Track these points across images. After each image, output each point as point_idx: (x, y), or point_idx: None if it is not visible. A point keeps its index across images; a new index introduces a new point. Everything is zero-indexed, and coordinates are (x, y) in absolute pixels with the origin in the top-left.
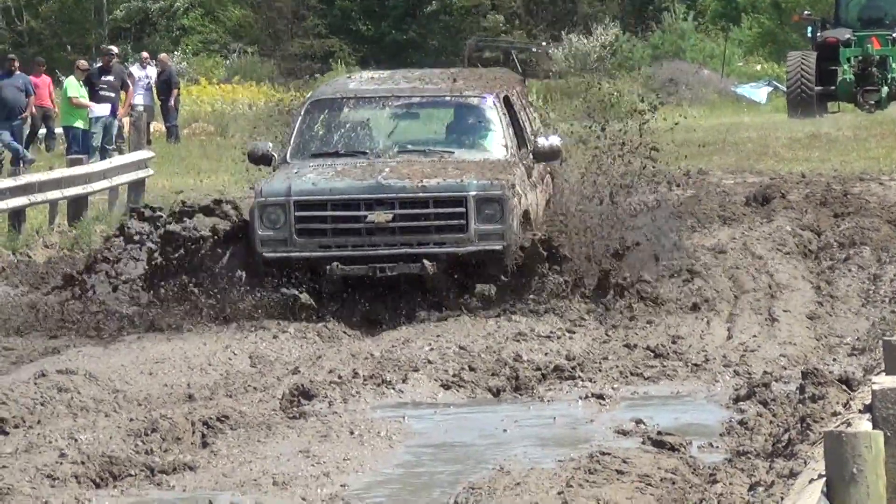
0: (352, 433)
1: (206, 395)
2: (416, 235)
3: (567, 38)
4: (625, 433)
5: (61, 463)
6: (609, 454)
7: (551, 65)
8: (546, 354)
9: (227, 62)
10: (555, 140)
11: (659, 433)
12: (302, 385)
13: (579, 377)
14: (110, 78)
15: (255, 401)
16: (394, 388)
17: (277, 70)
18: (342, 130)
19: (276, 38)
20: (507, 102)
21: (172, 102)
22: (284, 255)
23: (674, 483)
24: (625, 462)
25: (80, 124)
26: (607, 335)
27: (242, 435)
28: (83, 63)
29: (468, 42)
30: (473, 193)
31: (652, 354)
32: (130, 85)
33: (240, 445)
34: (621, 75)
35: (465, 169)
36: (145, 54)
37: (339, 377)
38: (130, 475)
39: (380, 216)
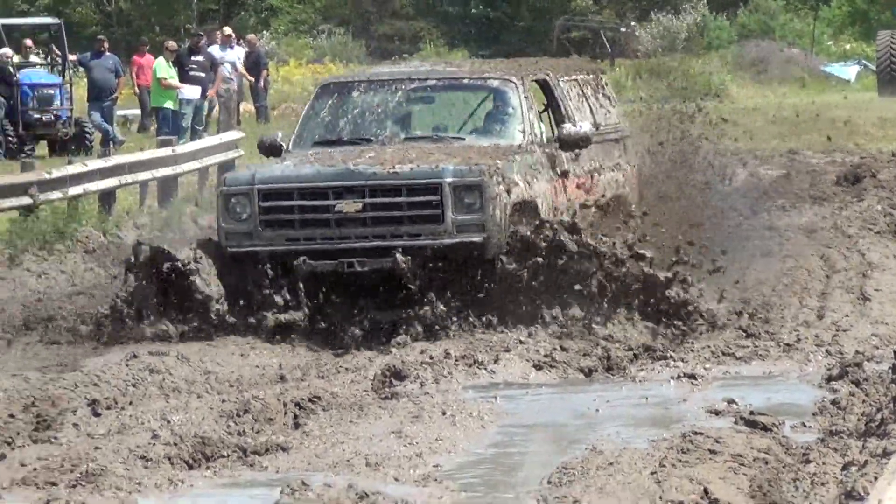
0: (444, 413)
1: (298, 376)
2: (388, 227)
3: (655, 17)
4: (717, 413)
5: (154, 444)
6: (701, 434)
7: (639, 44)
8: (640, 333)
9: (316, 42)
10: (584, 127)
11: (751, 413)
12: (393, 366)
13: (671, 357)
14: (200, 59)
15: (346, 382)
16: (485, 369)
17: (366, 51)
18: (349, 116)
19: (365, 18)
20: (546, 87)
21: (262, 83)
22: (250, 249)
23: (766, 463)
24: (717, 442)
25: (169, 105)
26: None
27: (334, 416)
28: (172, 44)
29: (557, 22)
30: (449, 180)
31: (744, 334)
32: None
33: (332, 426)
34: (708, 55)
35: (456, 154)
36: (228, 30)
37: (431, 358)
38: (223, 456)
39: (349, 205)
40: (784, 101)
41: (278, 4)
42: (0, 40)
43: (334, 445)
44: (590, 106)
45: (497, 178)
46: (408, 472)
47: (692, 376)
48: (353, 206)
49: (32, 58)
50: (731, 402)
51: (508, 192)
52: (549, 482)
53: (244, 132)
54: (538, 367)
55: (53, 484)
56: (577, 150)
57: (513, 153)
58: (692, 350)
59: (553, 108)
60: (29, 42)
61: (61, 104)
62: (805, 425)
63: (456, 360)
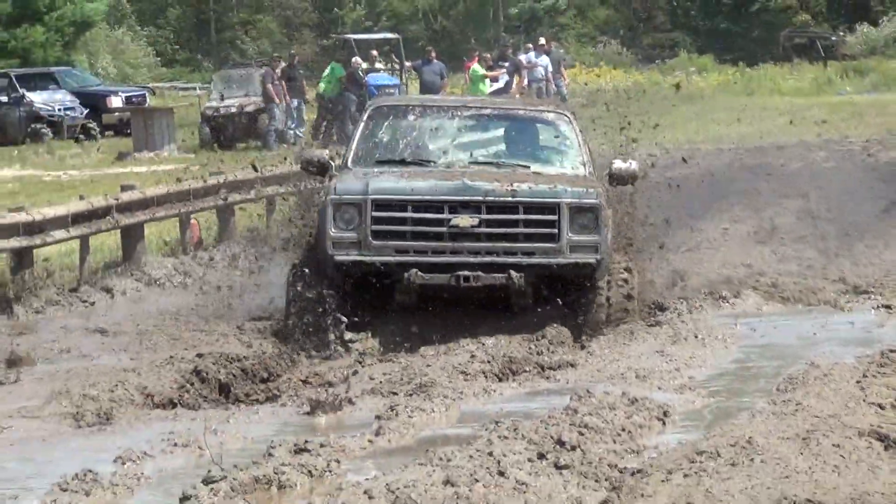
0: (696, 337)
1: None
2: (503, 243)
3: (859, 28)
4: None
5: (472, 362)
6: None
7: (846, 50)
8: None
9: (595, 52)
10: (633, 164)
11: None
12: (656, 300)
13: (871, 292)
14: (506, 64)
15: None
16: (728, 302)
17: (635, 57)
18: (407, 139)
19: (634, 31)
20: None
21: (564, 81)
22: (357, 258)
23: None
24: None
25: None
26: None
27: (611, 339)
28: (485, 55)
29: (782, 33)
30: (568, 201)
31: None
32: (522, 70)
33: (609, 347)
34: None
35: (553, 179)
36: (542, 41)
37: (685, 294)
38: (525, 371)
39: (465, 220)
40: None
41: (566, 21)
42: (352, 51)
43: (611, 362)
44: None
45: (606, 201)
46: (668, 383)
47: (888, 307)
48: (469, 220)
49: (377, 65)
50: None
51: (612, 217)
52: (777, 389)
53: None
54: (770, 299)
55: (394, 393)
56: (623, 186)
57: (589, 182)
58: (887, 287)
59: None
60: (374, 52)
61: None
62: None
63: (705, 296)
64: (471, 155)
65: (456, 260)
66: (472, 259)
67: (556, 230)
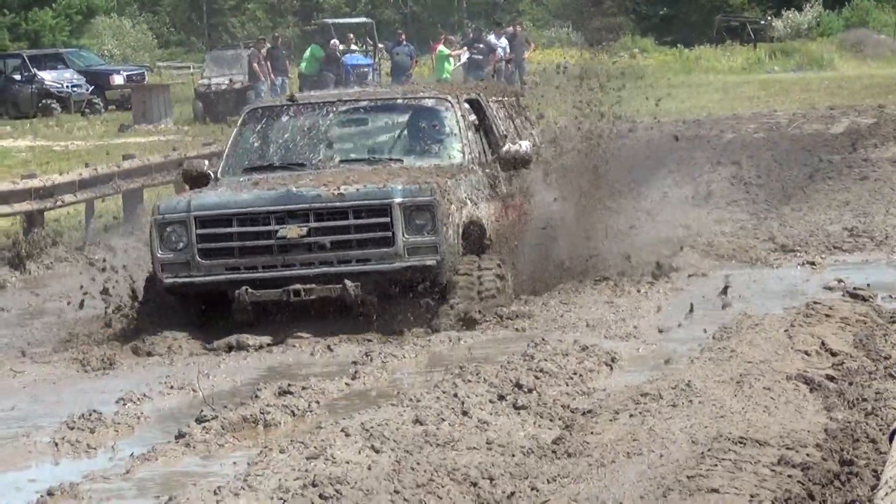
0: (638, 291)
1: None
2: (335, 252)
3: (785, 13)
4: (830, 289)
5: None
6: (819, 303)
7: (774, 32)
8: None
9: (549, 34)
10: (524, 146)
11: (854, 289)
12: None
13: (797, 250)
14: (481, 46)
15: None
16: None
17: (584, 40)
18: (280, 141)
19: (583, 16)
20: (477, 107)
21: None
22: (187, 280)
23: (865, 323)
24: (830, 309)
25: (447, 76)
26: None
27: (562, 293)
28: (450, 38)
29: (717, 17)
30: (399, 200)
31: (847, 234)
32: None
33: (562, 302)
34: (822, 39)
35: (398, 176)
36: (504, 25)
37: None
38: (486, 321)
39: (292, 230)
40: (876, 72)
41: (524, 7)
42: (330, 34)
43: (563, 314)
44: (515, 127)
45: (448, 197)
46: (615, 331)
47: (812, 263)
48: (297, 231)
49: (353, 46)
50: (840, 280)
51: (460, 212)
52: (713, 338)
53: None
54: (705, 258)
55: (369, 340)
56: (517, 170)
57: (456, 173)
58: (811, 245)
59: (486, 128)
60: (351, 35)
61: (372, 78)
62: (892, 297)
63: (648, 253)
64: (343, 153)
65: (288, 273)
66: (304, 271)
67: (389, 233)
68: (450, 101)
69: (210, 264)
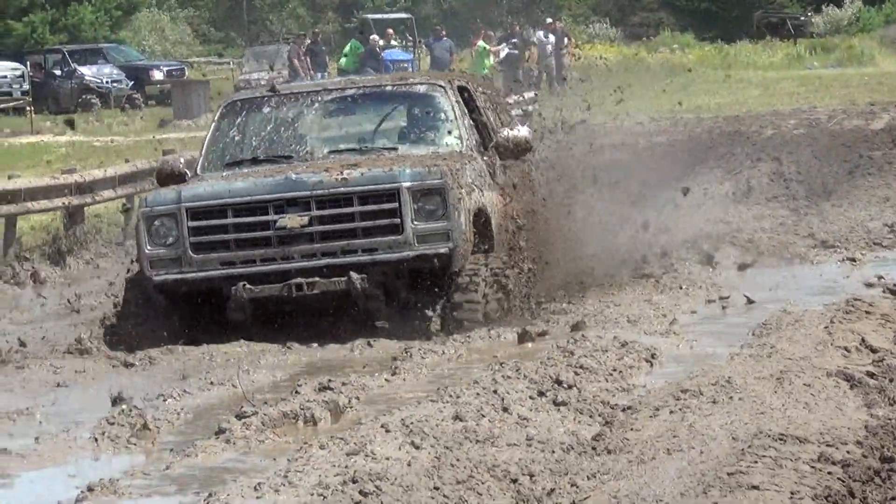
0: (680, 287)
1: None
2: (339, 242)
3: (825, 9)
4: (870, 285)
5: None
6: (859, 300)
7: (814, 28)
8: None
9: (588, 30)
10: (523, 131)
11: (895, 285)
12: (644, 256)
13: (837, 247)
14: (514, 40)
15: (610, 265)
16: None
17: (623, 34)
18: (262, 134)
19: (622, 11)
20: (466, 93)
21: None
22: (178, 276)
23: None
24: (871, 305)
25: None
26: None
27: (604, 288)
28: (489, 33)
29: (757, 14)
30: (408, 184)
31: (887, 230)
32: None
33: (602, 297)
34: (862, 35)
35: (404, 159)
36: (549, 20)
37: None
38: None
39: (293, 220)
40: None
41: (562, 3)
42: (370, 30)
43: (604, 309)
44: (500, 118)
45: (458, 181)
46: (655, 327)
47: (853, 259)
48: (298, 220)
49: (392, 42)
50: (880, 277)
51: (469, 196)
52: (753, 334)
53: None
54: (745, 254)
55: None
56: (517, 159)
57: (456, 158)
58: (852, 241)
59: (477, 116)
60: (390, 31)
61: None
62: None
63: (688, 249)
64: (332, 144)
65: (288, 266)
66: (306, 263)
67: (398, 220)
68: (443, 87)
69: (203, 259)
